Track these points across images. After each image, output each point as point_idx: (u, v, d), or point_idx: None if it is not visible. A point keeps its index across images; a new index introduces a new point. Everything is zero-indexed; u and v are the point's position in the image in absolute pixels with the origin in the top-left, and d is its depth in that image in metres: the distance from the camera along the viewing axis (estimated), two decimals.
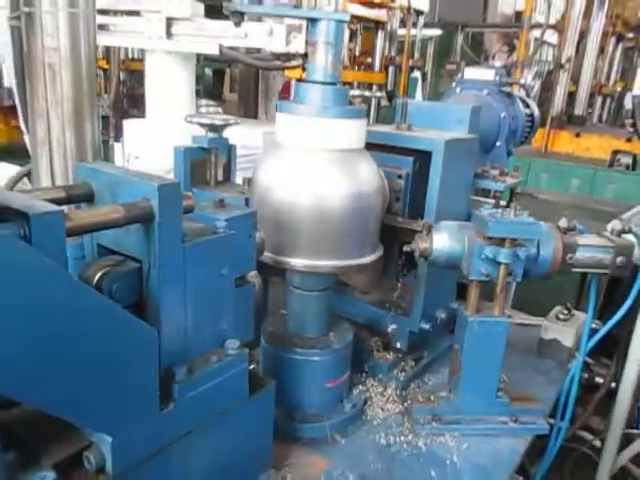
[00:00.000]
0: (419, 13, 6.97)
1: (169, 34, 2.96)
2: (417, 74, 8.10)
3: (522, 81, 2.16)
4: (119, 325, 0.77)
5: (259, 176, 1.28)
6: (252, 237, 1.07)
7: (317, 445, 1.32)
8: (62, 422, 0.83)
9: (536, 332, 1.98)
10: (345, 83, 5.71)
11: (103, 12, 2.75)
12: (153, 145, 2.93)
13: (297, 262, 1.26)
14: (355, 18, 6.14)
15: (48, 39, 1.12)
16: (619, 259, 1.38)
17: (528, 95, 2.16)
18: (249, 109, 5.58)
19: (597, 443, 3.00)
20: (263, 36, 3.04)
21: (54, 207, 0.70)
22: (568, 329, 1.84)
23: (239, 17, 1.18)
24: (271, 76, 5.74)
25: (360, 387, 1.51)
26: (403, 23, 6.86)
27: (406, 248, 1.41)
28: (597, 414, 3.10)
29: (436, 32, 9.18)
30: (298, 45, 3.04)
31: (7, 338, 0.64)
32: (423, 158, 1.56)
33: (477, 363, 1.39)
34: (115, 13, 3.08)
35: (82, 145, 1.23)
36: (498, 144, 1.94)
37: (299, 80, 1.27)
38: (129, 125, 3.23)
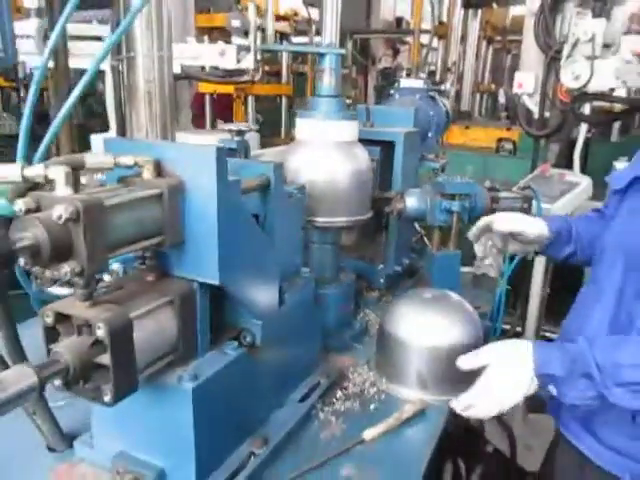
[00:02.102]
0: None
1: None
2: None
3: (442, 87, 2.84)
4: (266, 244, 1.29)
5: (290, 164, 1.80)
6: (304, 201, 1.59)
7: (342, 351, 1.86)
8: (220, 319, 1.33)
9: (467, 277, 2.65)
10: (257, 96, 6.18)
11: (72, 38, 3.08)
12: None
13: (320, 219, 1.80)
14: (261, 31, 6.52)
15: (146, 73, 1.59)
16: (524, 205, 2.07)
17: (448, 97, 2.84)
18: None
19: None
20: (215, 55, 3.50)
21: (237, 177, 1.20)
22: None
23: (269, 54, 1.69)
24: (177, 87, 6.05)
25: (361, 314, 2.08)
26: (299, 33, 7.32)
27: (387, 209, 2.00)
28: None
29: None
30: (247, 62, 3.55)
31: (231, 244, 1.14)
32: (386, 147, 2.17)
33: (443, 286, 2.00)
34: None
35: None
36: (430, 135, 2.59)
37: (314, 95, 1.81)
38: (96, 139, 3.55)
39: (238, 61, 3.49)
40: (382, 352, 1.70)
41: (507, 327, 4.06)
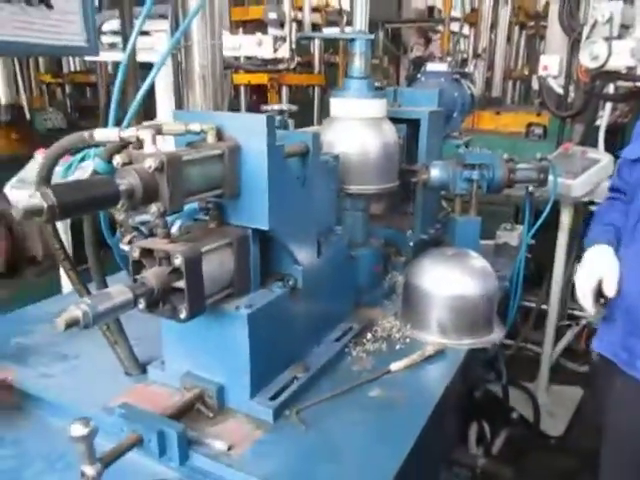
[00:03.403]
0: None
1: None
2: None
3: (466, 69, 3.01)
4: (306, 200, 1.52)
5: (325, 137, 2.02)
6: (337, 167, 1.82)
7: (373, 306, 2.08)
8: (268, 266, 1.56)
9: (489, 247, 2.83)
10: (290, 86, 6.40)
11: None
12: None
13: (352, 187, 2.02)
14: (296, 22, 6.72)
15: (201, 59, 1.84)
16: (541, 175, 2.24)
17: (472, 82, 3.03)
18: None
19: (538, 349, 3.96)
20: (253, 46, 3.74)
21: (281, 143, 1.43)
22: (513, 234, 2.71)
23: (307, 41, 1.92)
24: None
25: (389, 276, 2.30)
26: (330, 24, 7.46)
27: (414, 179, 2.21)
28: (535, 329, 4.08)
29: None
30: (283, 52, 3.78)
31: (278, 197, 1.37)
32: (412, 125, 2.37)
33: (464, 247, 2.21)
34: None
35: None
36: (455, 115, 2.78)
37: (346, 77, 2.03)
38: None
39: (275, 50, 3.71)
40: (407, 302, 1.92)
41: (533, 305, 4.21)
